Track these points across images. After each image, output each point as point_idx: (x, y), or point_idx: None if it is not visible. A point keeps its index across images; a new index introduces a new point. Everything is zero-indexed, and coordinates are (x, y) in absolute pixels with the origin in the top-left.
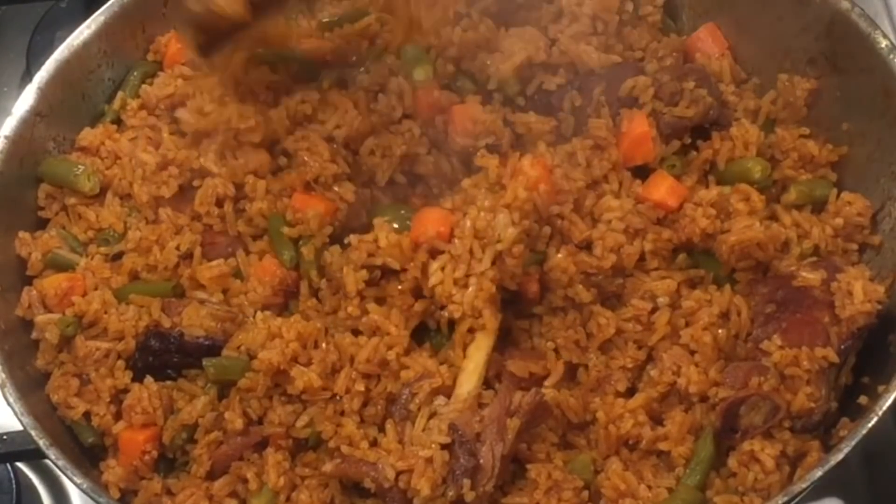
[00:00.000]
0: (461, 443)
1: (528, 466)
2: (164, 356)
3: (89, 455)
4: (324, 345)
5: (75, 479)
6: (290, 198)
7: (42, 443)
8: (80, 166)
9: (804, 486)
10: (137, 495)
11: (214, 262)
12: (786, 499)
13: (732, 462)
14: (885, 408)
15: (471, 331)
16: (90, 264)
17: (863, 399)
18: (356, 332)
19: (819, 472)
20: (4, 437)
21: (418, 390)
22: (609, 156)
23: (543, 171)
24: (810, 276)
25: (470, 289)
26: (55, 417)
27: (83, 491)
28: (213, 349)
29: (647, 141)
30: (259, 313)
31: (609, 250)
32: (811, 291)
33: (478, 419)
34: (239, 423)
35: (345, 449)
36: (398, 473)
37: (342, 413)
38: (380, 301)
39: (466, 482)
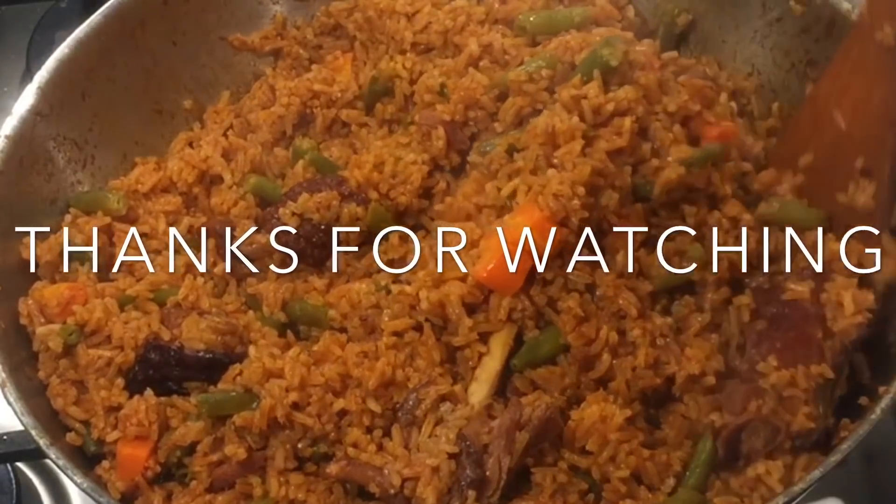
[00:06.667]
0: (469, 454)
1: (533, 470)
2: (164, 369)
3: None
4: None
5: (75, 479)
6: None
7: (42, 443)
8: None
9: (804, 486)
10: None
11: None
12: (786, 499)
13: (735, 485)
14: (885, 408)
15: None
16: (91, 274)
17: (863, 399)
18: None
19: (819, 472)
20: (4, 437)
21: (425, 396)
22: None
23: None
24: (798, 288)
25: None
26: (55, 417)
27: (83, 491)
28: (214, 363)
29: None
30: (253, 347)
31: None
32: (801, 304)
33: (486, 430)
34: (242, 454)
35: (351, 451)
36: (404, 480)
37: (349, 424)
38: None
39: (471, 493)
